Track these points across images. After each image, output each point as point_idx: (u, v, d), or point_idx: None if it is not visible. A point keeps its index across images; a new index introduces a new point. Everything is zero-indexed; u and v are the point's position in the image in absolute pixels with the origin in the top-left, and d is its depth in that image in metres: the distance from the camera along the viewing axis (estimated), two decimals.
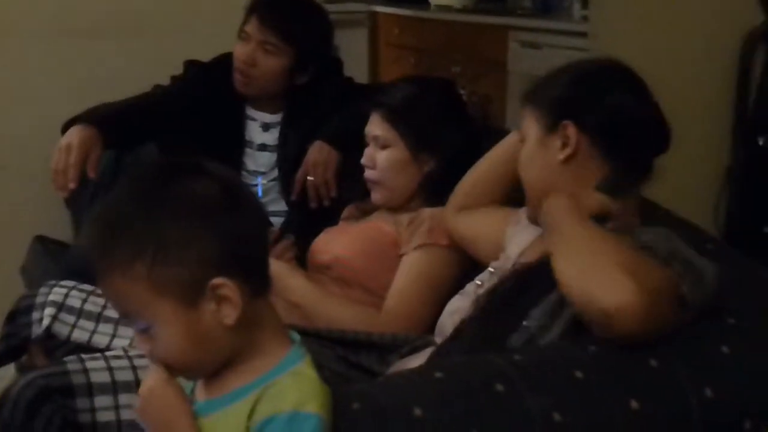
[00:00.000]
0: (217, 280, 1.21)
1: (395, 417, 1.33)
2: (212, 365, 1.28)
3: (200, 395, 1.33)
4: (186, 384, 1.36)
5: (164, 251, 1.20)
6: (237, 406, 1.25)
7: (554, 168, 1.78)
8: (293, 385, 1.25)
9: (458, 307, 1.89)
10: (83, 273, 2.43)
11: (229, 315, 1.23)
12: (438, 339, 1.91)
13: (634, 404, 1.39)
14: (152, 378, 1.29)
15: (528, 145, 1.84)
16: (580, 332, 1.49)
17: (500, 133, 2.45)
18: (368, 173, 2.34)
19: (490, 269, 1.94)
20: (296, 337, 1.34)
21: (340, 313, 2.17)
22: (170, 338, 1.23)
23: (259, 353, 1.28)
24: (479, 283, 1.88)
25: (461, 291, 1.95)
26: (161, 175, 1.27)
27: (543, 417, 1.36)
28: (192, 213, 1.22)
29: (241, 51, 2.75)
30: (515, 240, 1.95)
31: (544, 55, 3.93)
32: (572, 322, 1.53)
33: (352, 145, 2.53)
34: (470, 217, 2.13)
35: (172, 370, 1.29)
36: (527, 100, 1.86)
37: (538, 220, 1.75)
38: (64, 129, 2.64)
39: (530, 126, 1.83)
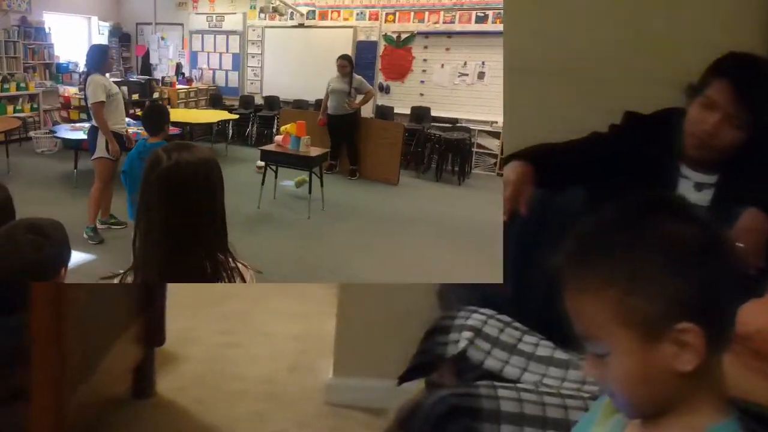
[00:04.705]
0: (685, 325, 1.20)
1: None
2: (652, 407, 1.27)
3: None
4: (616, 424, 1.35)
5: (639, 284, 1.21)
6: None
7: None
8: None
9: None
10: (499, 304, 2.52)
11: (688, 362, 1.21)
12: None
13: None
14: None
15: None
16: None
17: None
18: None
19: None
20: (734, 411, 1.29)
21: (754, 385, 2.08)
22: (622, 369, 1.24)
23: (696, 411, 1.25)
24: None
25: None
26: (646, 209, 1.29)
27: None
28: (672, 252, 1.22)
29: (702, 118, 2.60)
30: None
31: None
32: None
33: None
34: None
35: (616, 400, 1.30)
36: None
37: None
38: (503, 163, 2.75)
39: None
